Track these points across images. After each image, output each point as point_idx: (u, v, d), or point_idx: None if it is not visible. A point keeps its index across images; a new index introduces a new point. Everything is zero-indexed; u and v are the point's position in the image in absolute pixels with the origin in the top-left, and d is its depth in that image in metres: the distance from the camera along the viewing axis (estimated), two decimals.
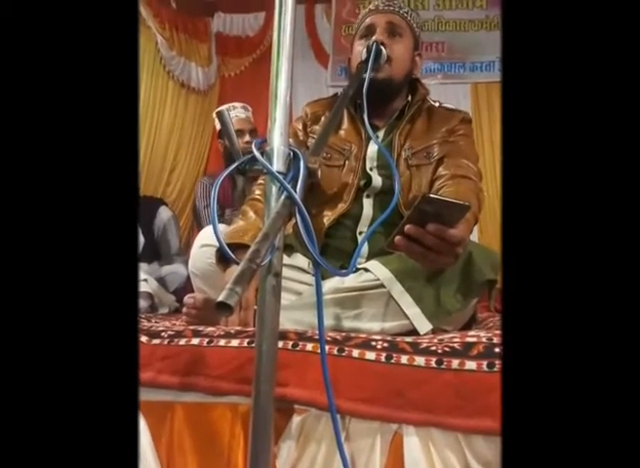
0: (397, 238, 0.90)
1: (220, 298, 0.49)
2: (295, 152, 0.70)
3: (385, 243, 0.94)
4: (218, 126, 2.62)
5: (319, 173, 0.72)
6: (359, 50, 1.33)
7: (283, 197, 0.66)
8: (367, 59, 1.23)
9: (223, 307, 0.49)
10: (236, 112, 2.40)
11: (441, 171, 1.29)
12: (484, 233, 2.89)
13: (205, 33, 3.46)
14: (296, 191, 0.67)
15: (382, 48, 1.27)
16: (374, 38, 1.30)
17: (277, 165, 0.69)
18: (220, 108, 0.85)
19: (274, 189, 0.69)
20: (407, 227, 0.88)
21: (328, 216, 1.29)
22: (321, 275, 0.73)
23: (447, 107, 1.42)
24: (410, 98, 1.40)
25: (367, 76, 1.19)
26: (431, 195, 0.84)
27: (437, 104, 1.42)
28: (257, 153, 0.68)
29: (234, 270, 0.53)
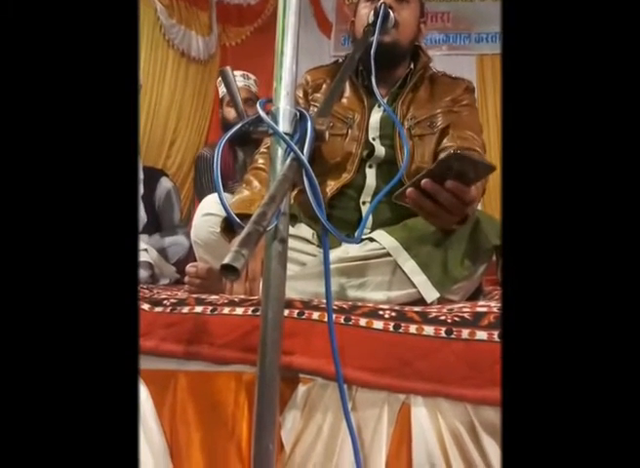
0: (409, 190, 0.87)
1: (226, 261, 0.46)
2: (302, 113, 0.68)
3: (394, 195, 0.90)
4: (220, 91, 2.57)
5: (327, 135, 0.69)
6: (365, 13, 1.30)
7: (289, 159, 0.64)
8: (375, 22, 1.19)
9: (229, 270, 0.46)
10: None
11: (446, 143, 1.26)
12: (487, 206, 2.86)
13: (205, 1, 3.38)
14: (303, 153, 0.64)
15: (390, 11, 1.24)
16: (381, 1, 1.26)
17: (283, 125, 0.66)
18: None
19: (280, 151, 0.66)
20: (424, 181, 0.84)
21: (331, 186, 1.27)
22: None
23: (450, 75, 1.39)
24: (412, 66, 1.36)
25: (375, 39, 1.15)
26: (460, 152, 0.81)
27: (439, 72, 1.39)
28: (262, 113, 0.66)
29: None
